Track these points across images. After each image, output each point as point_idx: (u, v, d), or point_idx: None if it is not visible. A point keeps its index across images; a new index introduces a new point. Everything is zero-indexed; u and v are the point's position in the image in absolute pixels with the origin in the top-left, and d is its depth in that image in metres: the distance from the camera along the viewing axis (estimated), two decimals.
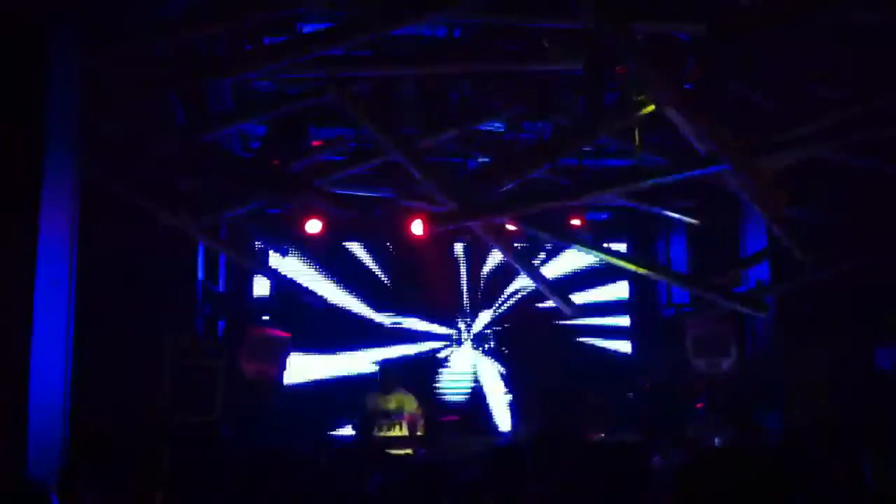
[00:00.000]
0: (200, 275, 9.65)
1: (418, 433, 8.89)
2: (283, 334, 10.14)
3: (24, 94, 4.78)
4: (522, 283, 11.49)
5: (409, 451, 8.62)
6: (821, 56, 6.69)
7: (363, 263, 11.63)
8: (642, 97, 6.58)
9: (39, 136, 4.76)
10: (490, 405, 11.54)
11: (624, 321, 12.08)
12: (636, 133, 7.22)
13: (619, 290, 12.05)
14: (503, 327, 11.87)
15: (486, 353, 11.79)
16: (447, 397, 11.51)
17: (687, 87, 6.68)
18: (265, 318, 11.03)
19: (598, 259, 10.07)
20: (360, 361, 11.30)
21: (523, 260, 9.30)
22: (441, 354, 11.71)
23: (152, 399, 8.28)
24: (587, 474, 3.94)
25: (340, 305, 11.45)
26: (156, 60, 6.62)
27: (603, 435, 9.78)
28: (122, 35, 5.96)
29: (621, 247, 11.50)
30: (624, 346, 12.04)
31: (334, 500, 4.66)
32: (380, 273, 11.66)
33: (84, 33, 5.25)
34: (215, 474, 5.79)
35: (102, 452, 4.80)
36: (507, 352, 11.76)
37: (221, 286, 10.25)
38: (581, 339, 11.86)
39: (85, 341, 5.14)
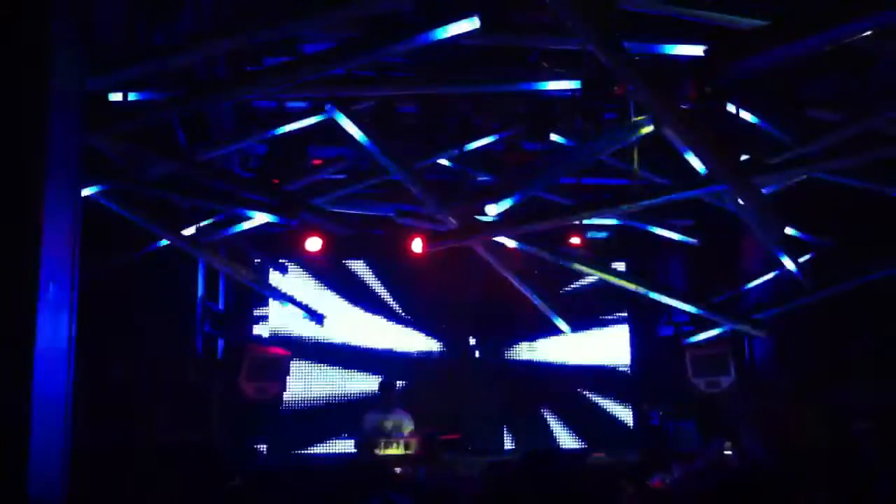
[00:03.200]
0: (200, 293, 9.66)
1: (417, 452, 8.86)
2: (284, 352, 10.13)
3: (26, 113, 4.80)
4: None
5: (408, 469, 8.60)
6: (819, 78, 6.72)
7: (365, 281, 11.63)
8: (641, 117, 6.61)
9: (42, 154, 4.77)
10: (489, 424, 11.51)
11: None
12: (635, 153, 7.24)
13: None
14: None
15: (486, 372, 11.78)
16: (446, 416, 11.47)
17: (685, 107, 6.71)
18: (265, 336, 11.04)
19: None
20: (360, 380, 11.27)
21: (524, 278, 9.28)
22: (441, 373, 11.68)
23: (152, 417, 8.28)
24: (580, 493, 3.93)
25: (341, 323, 11.43)
26: (157, 80, 6.65)
27: (603, 454, 9.80)
28: (124, 55, 5.99)
29: (620, 265, 11.51)
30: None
31: None
32: (382, 291, 11.65)
33: (86, 53, 5.28)
34: (213, 494, 5.78)
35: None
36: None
37: (221, 304, 10.26)
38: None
39: (86, 360, 5.14)
